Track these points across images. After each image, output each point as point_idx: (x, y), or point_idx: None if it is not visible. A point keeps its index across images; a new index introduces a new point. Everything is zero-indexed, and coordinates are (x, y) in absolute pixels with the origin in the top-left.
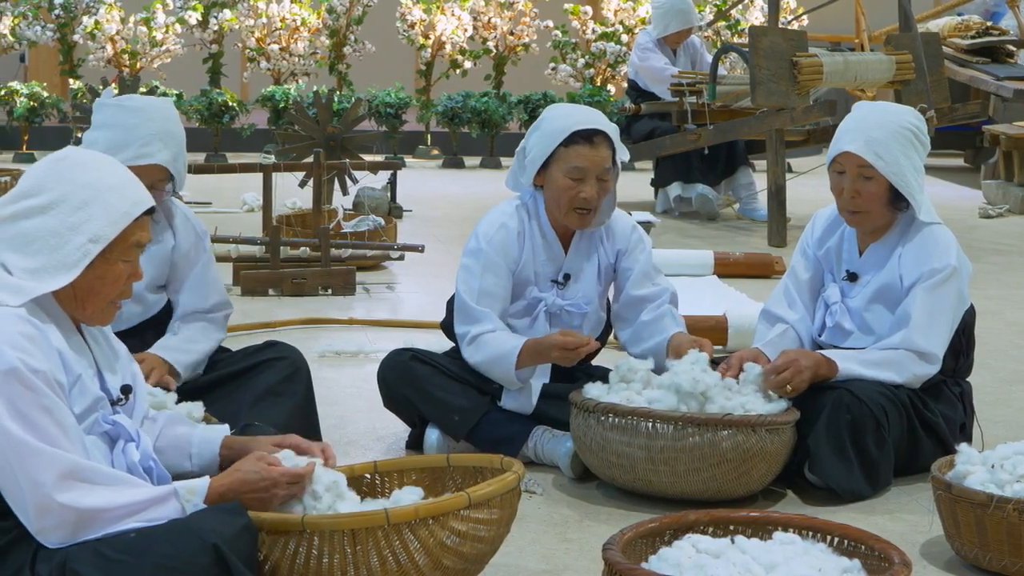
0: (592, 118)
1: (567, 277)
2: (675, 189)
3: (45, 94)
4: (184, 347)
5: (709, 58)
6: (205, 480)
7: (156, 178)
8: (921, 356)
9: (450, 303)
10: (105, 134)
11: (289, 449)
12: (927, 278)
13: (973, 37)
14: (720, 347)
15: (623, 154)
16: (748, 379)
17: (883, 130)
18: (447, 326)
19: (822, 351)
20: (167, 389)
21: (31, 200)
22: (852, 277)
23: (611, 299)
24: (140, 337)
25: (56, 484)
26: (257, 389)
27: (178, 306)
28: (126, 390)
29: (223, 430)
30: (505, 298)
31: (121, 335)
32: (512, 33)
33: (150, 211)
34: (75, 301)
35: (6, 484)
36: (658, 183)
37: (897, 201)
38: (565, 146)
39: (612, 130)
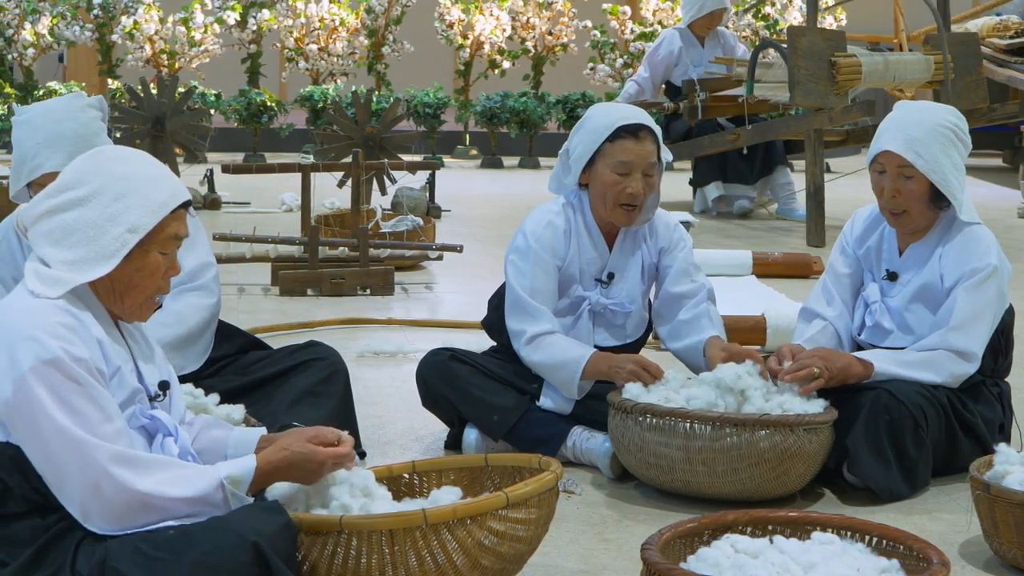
0: (636, 114)
1: (611, 276)
2: (713, 190)
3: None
4: (169, 321)
5: (740, 49)
6: (251, 463)
7: None
8: (960, 355)
9: (492, 301)
10: (13, 155)
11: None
12: (968, 278)
13: (1012, 37)
14: (759, 347)
15: (666, 153)
16: (785, 385)
17: (923, 129)
18: (489, 325)
19: (859, 352)
20: None
21: (69, 194)
22: (892, 276)
23: (652, 297)
24: None
25: (109, 465)
26: (295, 390)
27: None
28: (164, 386)
29: (259, 431)
30: (554, 295)
31: None
32: (550, 33)
33: (186, 204)
34: (113, 294)
35: (52, 474)
36: (696, 183)
37: (938, 200)
38: (611, 141)
39: (656, 128)
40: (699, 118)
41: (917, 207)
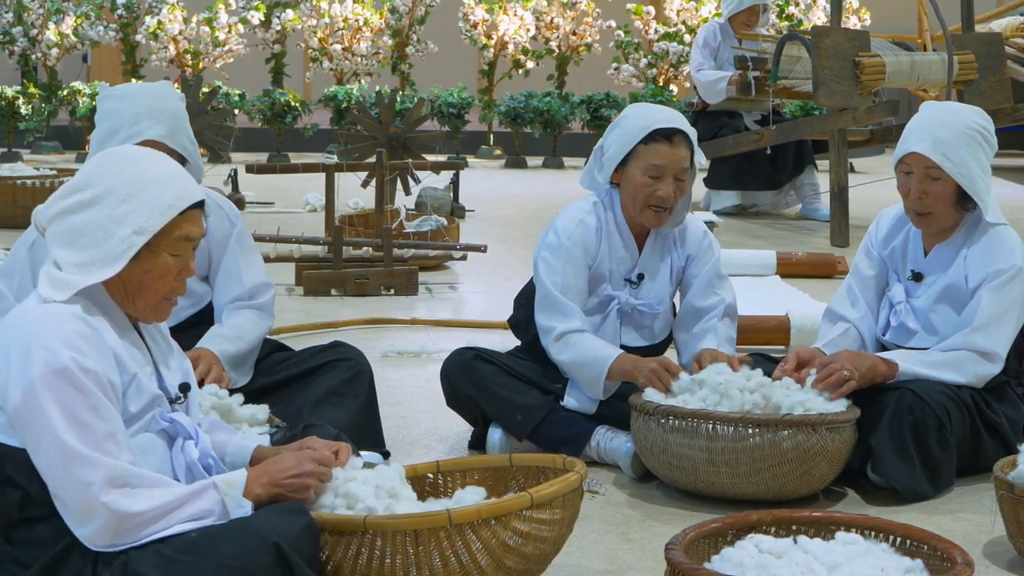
0: (673, 117)
1: (641, 277)
2: (725, 199)
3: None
4: (232, 335)
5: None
6: (242, 471)
7: None
8: (983, 356)
9: (518, 299)
10: (102, 126)
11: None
12: (992, 279)
13: None
14: (782, 347)
15: (700, 157)
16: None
17: (950, 131)
18: (516, 323)
19: (883, 353)
20: (223, 387)
21: (79, 195)
22: (917, 277)
23: (675, 304)
24: (194, 330)
25: (101, 488)
26: (320, 390)
27: (216, 294)
28: (184, 388)
29: (257, 440)
30: (584, 293)
31: (174, 330)
32: (574, 33)
33: (199, 205)
34: (126, 296)
35: (52, 484)
36: (709, 184)
37: (964, 201)
38: (645, 144)
39: (692, 132)
40: (752, 95)
41: (943, 208)
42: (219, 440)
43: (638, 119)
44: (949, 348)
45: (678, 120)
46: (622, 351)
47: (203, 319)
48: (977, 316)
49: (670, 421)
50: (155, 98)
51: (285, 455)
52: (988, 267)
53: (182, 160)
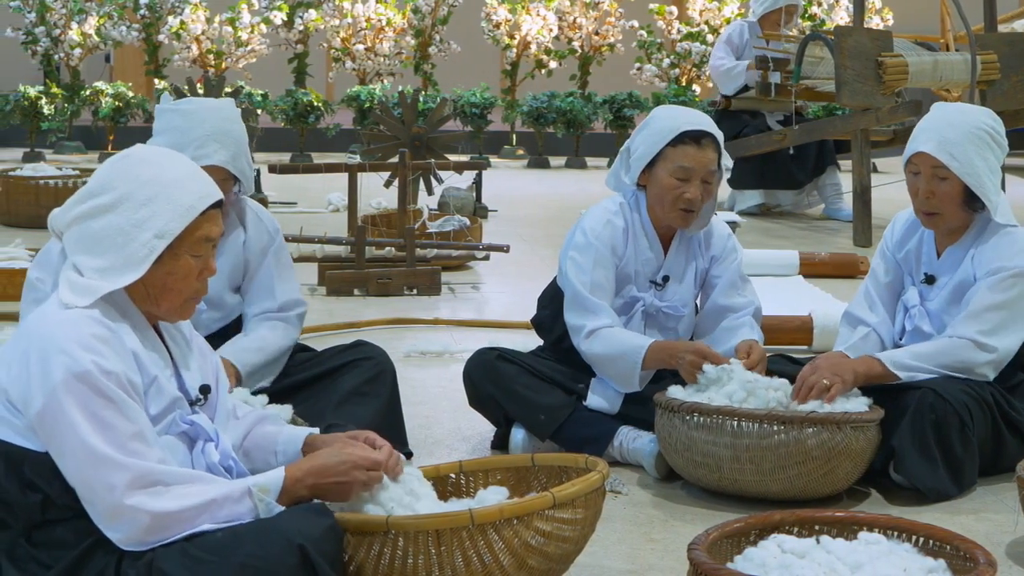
0: (701, 120)
1: (666, 279)
2: (749, 199)
3: (130, 94)
4: (253, 347)
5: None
6: (279, 472)
7: (217, 179)
8: (975, 344)
9: (542, 299)
10: (163, 140)
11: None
12: (993, 273)
13: None
14: (805, 347)
15: (727, 160)
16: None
17: (957, 131)
18: (539, 323)
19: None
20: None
21: (97, 200)
22: (930, 280)
23: (697, 304)
24: (221, 342)
25: (127, 489)
26: (342, 390)
27: (247, 304)
28: (205, 390)
29: (308, 430)
30: (612, 292)
31: None
32: (597, 33)
33: (218, 204)
34: (149, 299)
35: (80, 487)
36: (733, 184)
37: (972, 202)
38: (673, 146)
39: (719, 135)
40: (772, 96)
41: (951, 208)
42: (270, 431)
43: (666, 121)
44: (940, 336)
45: (706, 123)
46: (654, 339)
47: (231, 332)
48: (970, 305)
49: (695, 418)
50: (222, 120)
51: (330, 451)
52: (991, 264)
53: (233, 178)
